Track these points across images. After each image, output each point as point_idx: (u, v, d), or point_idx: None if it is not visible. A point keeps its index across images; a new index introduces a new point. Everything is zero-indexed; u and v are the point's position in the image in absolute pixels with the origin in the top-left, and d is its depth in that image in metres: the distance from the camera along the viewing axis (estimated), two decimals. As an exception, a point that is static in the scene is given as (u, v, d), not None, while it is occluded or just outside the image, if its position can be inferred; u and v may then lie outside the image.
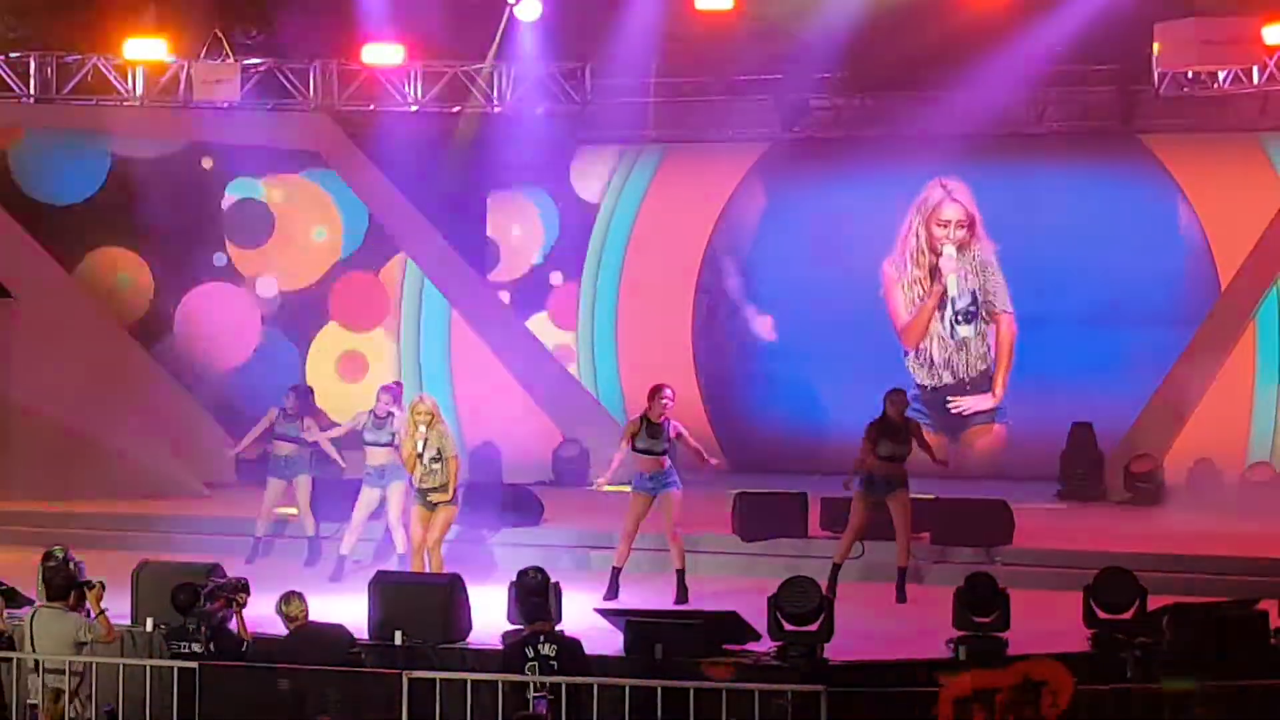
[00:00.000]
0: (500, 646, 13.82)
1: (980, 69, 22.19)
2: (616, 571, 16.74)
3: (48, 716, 12.99)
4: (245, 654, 13.75)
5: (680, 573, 16.63)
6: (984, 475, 22.90)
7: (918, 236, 24.61)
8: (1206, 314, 23.12)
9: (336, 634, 13.49)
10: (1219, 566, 17.31)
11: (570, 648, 13.01)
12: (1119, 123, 23.69)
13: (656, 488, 16.65)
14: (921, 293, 24.69)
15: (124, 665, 13.29)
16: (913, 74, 23.03)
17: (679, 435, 16.72)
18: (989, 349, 24.56)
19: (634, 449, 16.72)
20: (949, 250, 24.44)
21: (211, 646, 13.54)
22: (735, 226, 25.55)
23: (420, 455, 16.57)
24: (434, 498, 16.61)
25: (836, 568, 16.80)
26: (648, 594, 16.56)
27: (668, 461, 16.74)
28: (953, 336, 24.64)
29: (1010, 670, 10.78)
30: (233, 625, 13.82)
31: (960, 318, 24.58)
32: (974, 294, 24.53)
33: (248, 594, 14.19)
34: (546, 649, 12.86)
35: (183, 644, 13.66)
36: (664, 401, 16.66)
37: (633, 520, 16.76)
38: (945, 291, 24.49)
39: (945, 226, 24.51)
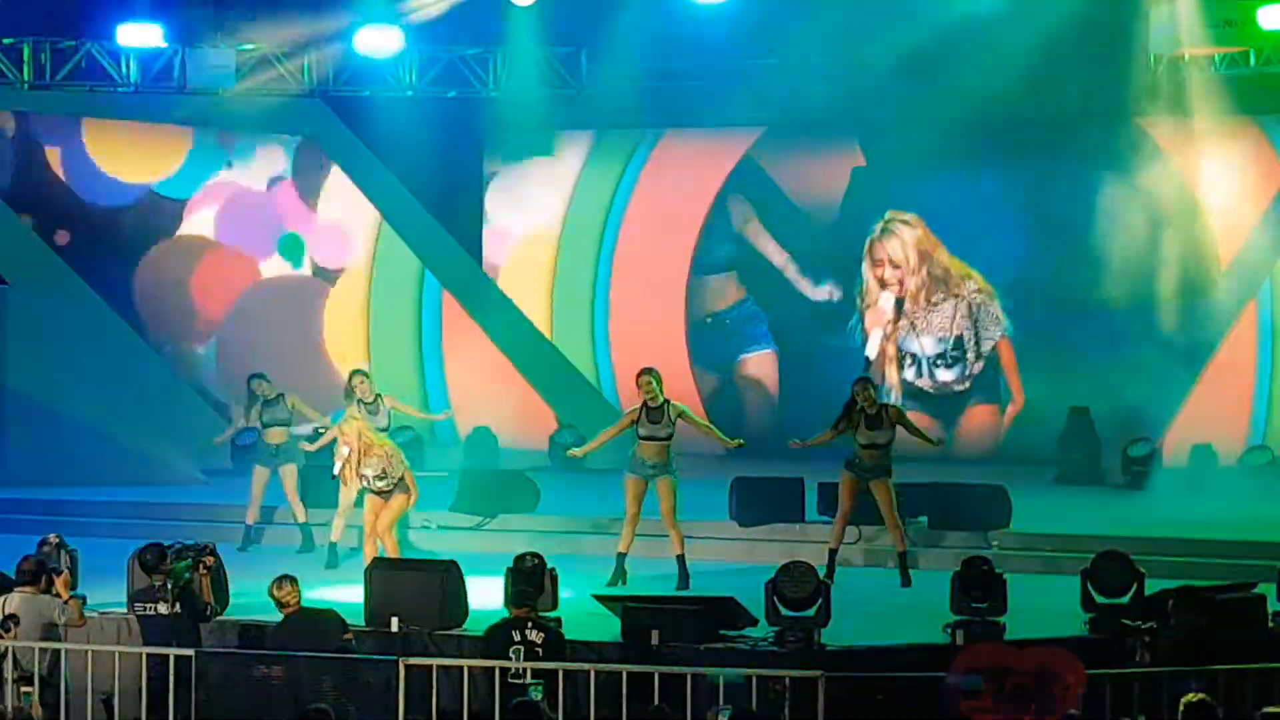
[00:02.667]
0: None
1: (973, 52, 22.13)
2: (621, 557, 16.71)
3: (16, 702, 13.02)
4: (209, 617, 13.98)
5: (681, 558, 16.61)
6: (982, 458, 22.92)
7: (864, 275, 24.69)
8: (1205, 297, 23.09)
9: (329, 619, 13.48)
10: (1216, 550, 17.30)
11: (556, 636, 13.03)
12: (1115, 106, 23.62)
13: (656, 474, 16.60)
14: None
15: (119, 653, 13.30)
16: (909, 58, 22.97)
17: (681, 415, 16.68)
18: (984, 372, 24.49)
19: (639, 436, 16.67)
20: (884, 298, 24.48)
21: (178, 607, 13.57)
22: (730, 210, 25.51)
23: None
24: (377, 485, 16.60)
25: (833, 553, 16.80)
26: (645, 579, 16.53)
27: (670, 448, 16.69)
28: (931, 377, 24.59)
29: (1028, 656, 10.66)
30: (200, 588, 13.96)
31: (940, 361, 24.51)
32: (960, 339, 24.46)
33: (214, 557, 14.35)
34: (533, 635, 12.88)
35: (149, 605, 13.67)
36: (640, 385, 16.65)
37: (634, 504, 16.72)
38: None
39: (880, 266, 24.54)
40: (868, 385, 17.12)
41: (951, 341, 24.54)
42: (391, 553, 16.46)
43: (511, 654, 12.75)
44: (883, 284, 24.59)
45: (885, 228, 24.51)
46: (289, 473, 19.01)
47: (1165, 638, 12.99)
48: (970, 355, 24.51)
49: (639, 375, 16.77)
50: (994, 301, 24.36)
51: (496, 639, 13.03)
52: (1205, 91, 22.66)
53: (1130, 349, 23.23)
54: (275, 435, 19.05)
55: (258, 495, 19.14)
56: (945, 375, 24.59)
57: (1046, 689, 10.44)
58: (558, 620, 14.14)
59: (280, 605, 13.50)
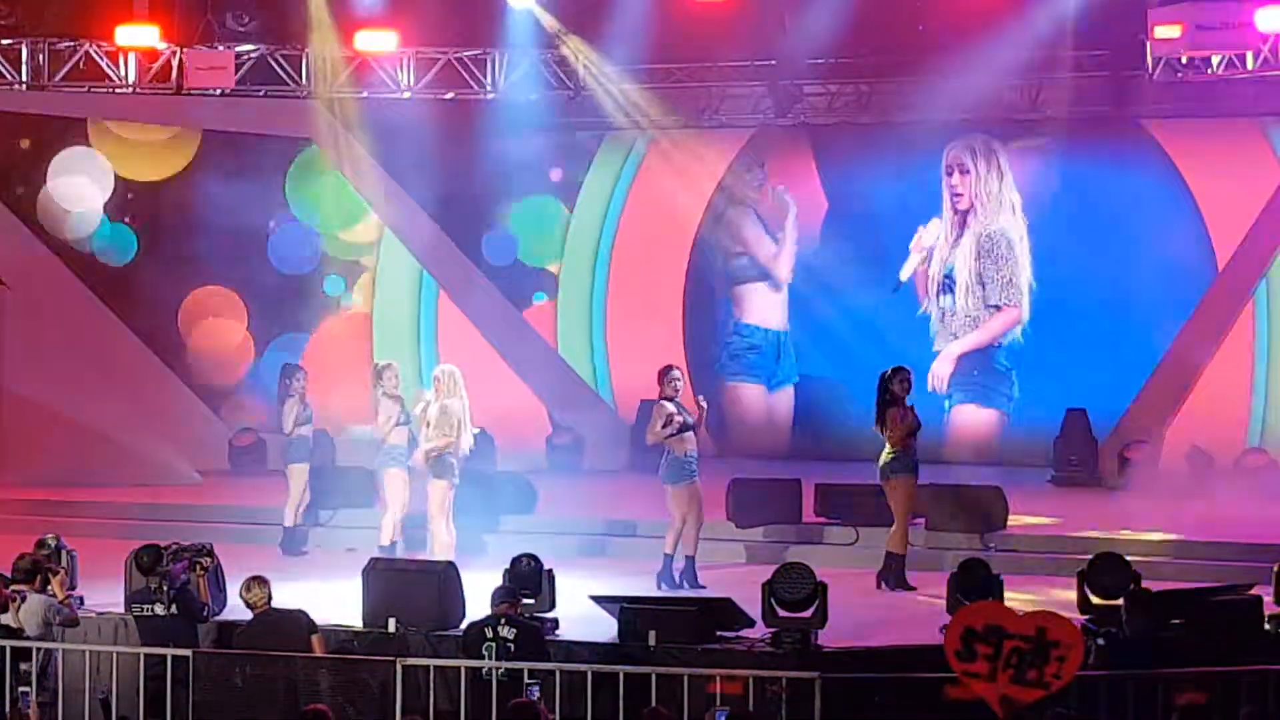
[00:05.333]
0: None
1: (976, 54, 22.13)
2: (691, 560, 16.63)
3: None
4: (206, 618, 14.03)
5: (692, 560, 16.63)
6: (979, 461, 22.89)
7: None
8: (1202, 298, 23.09)
9: (296, 619, 13.50)
10: (1213, 552, 17.31)
11: (529, 632, 13.06)
12: (1114, 108, 23.61)
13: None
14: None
15: (118, 653, 13.32)
16: (908, 60, 22.98)
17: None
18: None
19: (681, 434, 16.50)
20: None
21: (174, 608, 13.62)
22: (725, 212, 25.50)
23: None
24: (424, 451, 16.91)
25: (901, 558, 16.65)
26: (645, 580, 16.52)
27: None
28: (937, 302, 24.54)
29: (1028, 619, 10.62)
30: (197, 589, 13.99)
31: (945, 285, 24.45)
32: (971, 270, 24.29)
33: (211, 558, 14.37)
34: (506, 631, 12.93)
35: (146, 606, 13.71)
36: (670, 380, 16.53)
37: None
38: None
39: (950, 173, 24.39)
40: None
41: (966, 269, 24.28)
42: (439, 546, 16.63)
43: (484, 650, 12.79)
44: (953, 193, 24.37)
45: (964, 144, 24.33)
46: (306, 471, 19.03)
47: (1120, 641, 12.94)
48: (973, 295, 24.26)
49: (668, 370, 16.63)
50: (1023, 265, 24.13)
51: (472, 636, 13.11)
52: (1204, 93, 22.68)
53: (1127, 350, 23.22)
54: (307, 430, 18.99)
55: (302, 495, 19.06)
56: (944, 300, 24.38)
57: (1043, 660, 10.37)
58: (535, 617, 14.14)
59: (250, 606, 13.54)
